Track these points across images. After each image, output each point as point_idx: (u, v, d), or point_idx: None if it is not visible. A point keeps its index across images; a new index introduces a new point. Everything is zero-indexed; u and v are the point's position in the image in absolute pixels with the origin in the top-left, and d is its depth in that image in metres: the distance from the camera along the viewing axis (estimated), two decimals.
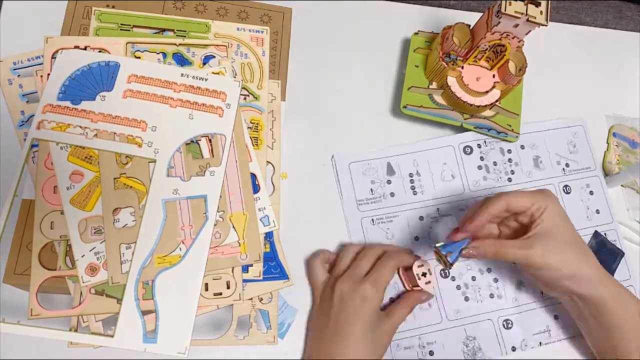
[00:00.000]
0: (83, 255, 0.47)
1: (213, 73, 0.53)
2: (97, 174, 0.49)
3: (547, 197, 0.52)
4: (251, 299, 0.50)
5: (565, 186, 0.65)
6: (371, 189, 0.61)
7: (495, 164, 0.64)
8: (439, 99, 0.63)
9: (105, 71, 0.52)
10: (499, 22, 0.54)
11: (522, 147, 0.65)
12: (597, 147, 0.68)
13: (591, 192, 0.65)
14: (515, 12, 0.53)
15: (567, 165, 0.66)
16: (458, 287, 0.60)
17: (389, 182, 0.61)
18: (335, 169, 0.61)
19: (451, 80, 0.61)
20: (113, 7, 0.58)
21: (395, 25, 0.69)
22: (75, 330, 0.47)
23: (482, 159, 0.64)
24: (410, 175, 0.62)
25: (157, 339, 0.46)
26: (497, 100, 0.62)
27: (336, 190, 0.61)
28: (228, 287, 0.49)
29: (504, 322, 0.59)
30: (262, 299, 0.51)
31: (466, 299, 0.59)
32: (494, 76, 0.62)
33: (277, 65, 0.60)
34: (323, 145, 0.62)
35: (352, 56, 0.67)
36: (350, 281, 0.53)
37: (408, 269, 0.57)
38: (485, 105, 0.61)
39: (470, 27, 0.61)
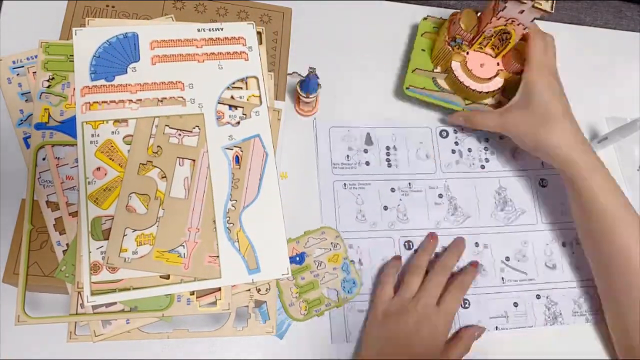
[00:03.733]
0: (90, 252, 0.47)
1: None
2: (121, 174, 0.49)
3: (540, 69, 0.58)
4: (249, 289, 0.50)
5: (542, 179, 0.66)
6: (347, 155, 0.62)
7: (470, 150, 0.65)
8: (442, 82, 0.64)
9: (126, 43, 0.53)
10: (505, 7, 0.55)
11: (501, 137, 0.66)
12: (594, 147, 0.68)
13: None
14: None
15: None
16: None
17: (365, 151, 0.63)
18: (315, 131, 0.63)
19: (455, 65, 0.62)
20: (113, 7, 0.58)
21: (395, 25, 0.69)
22: (75, 331, 0.47)
23: (456, 143, 0.65)
24: (387, 148, 0.64)
25: (260, 268, 0.49)
26: (499, 89, 0.62)
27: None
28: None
29: (462, 301, 0.59)
30: (259, 290, 0.51)
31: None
32: (498, 64, 0.63)
33: (277, 65, 0.60)
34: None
35: (352, 56, 0.67)
36: (425, 308, 0.54)
37: None
38: (487, 92, 0.62)
39: (478, 14, 0.61)
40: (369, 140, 0.64)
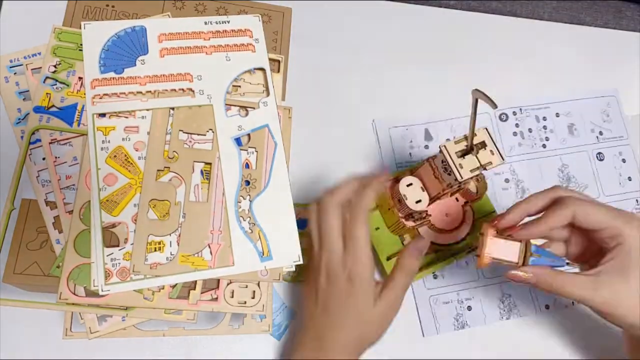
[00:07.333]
0: (104, 257, 0.47)
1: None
2: (131, 181, 0.49)
3: (628, 221, 0.41)
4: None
5: (599, 153, 0.67)
6: (410, 153, 0.62)
7: (530, 130, 0.66)
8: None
9: (135, 36, 0.53)
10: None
11: (557, 114, 0.67)
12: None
13: (623, 160, 0.67)
14: (472, 170, 0.45)
15: (600, 133, 0.67)
16: None
17: (426, 147, 0.63)
18: (376, 133, 0.63)
19: (423, 231, 0.55)
20: (113, 7, 0.58)
21: (395, 25, 0.69)
22: (70, 328, 0.47)
23: (517, 125, 0.66)
24: (447, 140, 0.61)
25: (272, 256, 0.50)
26: (467, 234, 0.55)
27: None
28: (253, 297, 0.50)
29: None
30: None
31: None
32: (457, 199, 0.55)
33: (277, 65, 0.60)
34: (324, 144, 0.62)
35: (352, 56, 0.67)
36: (329, 255, 0.45)
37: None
38: (460, 241, 0.55)
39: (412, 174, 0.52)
40: (428, 136, 0.64)
